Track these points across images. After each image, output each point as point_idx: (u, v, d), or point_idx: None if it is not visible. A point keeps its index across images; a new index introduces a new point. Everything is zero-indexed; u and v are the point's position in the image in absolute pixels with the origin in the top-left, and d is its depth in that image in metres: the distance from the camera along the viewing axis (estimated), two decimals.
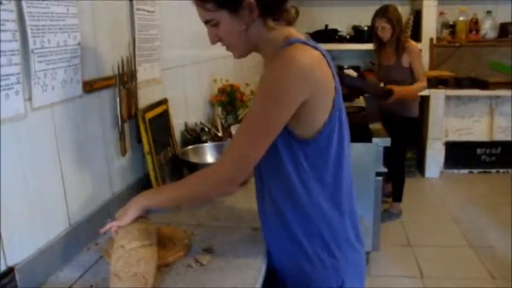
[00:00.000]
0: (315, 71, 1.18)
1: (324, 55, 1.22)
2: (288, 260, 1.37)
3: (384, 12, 3.67)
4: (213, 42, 1.27)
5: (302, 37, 1.25)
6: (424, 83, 3.87)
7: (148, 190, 1.41)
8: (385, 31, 3.72)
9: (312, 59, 1.18)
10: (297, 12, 1.29)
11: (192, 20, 2.47)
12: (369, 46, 4.73)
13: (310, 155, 1.25)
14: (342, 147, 1.28)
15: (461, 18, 5.29)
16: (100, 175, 1.59)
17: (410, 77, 3.83)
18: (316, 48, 1.21)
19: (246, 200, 1.70)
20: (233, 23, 1.20)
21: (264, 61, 1.34)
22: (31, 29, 1.18)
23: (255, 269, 1.29)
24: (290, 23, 1.27)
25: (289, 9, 1.26)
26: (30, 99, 1.20)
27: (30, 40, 1.18)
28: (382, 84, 3.88)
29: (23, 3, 1.15)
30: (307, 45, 1.20)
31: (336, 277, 1.34)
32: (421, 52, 5.10)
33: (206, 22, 1.24)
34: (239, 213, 1.68)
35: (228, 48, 1.31)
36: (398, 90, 3.66)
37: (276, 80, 1.16)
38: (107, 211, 1.59)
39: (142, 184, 1.82)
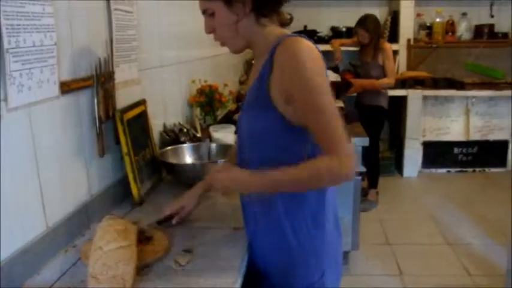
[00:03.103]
0: (320, 59, 1.24)
1: (319, 50, 1.27)
2: (272, 253, 1.40)
3: (362, 23, 4.26)
4: (208, 31, 1.34)
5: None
6: (391, 80, 4.32)
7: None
8: (363, 38, 4.29)
9: (314, 49, 1.24)
10: (291, 19, 1.38)
11: (170, 21, 2.47)
12: (348, 47, 4.78)
13: (299, 140, 1.29)
14: None
15: (437, 20, 5.38)
16: (78, 176, 1.57)
17: (383, 74, 4.33)
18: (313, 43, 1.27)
19: (226, 200, 1.70)
20: (227, 14, 1.27)
21: (254, 55, 1.40)
22: (6, 28, 1.16)
23: (235, 269, 1.29)
24: (283, 25, 1.35)
25: (283, 12, 1.34)
26: (5, 99, 1.18)
27: (5, 39, 1.16)
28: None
29: None
30: (304, 38, 1.25)
31: (316, 265, 1.38)
32: (399, 53, 5.20)
33: (203, 12, 1.32)
34: (220, 213, 1.68)
35: (222, 43, 1.36)
36: (358, 82, 4.36)
37: (309, 69, 1.20)
38: (85, 213, 1.57)
39: (121, 185, 1.80)
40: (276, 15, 1.34)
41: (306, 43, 1.23)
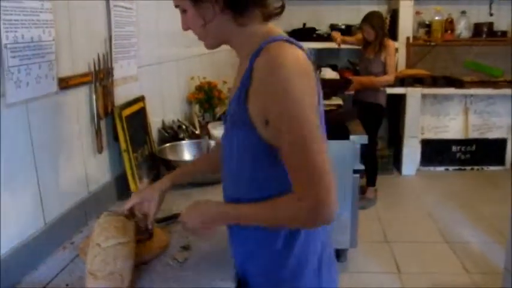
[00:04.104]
0: (307, 68, 1.07)
1: (308, 56, 1.10)
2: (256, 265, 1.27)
3: (368, 19, 4.26)
4: (184, 28, 1.20)
5: (283, 34, 1.15)
6: (391, 78, 4.29)
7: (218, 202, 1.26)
8: (369, 34, 4.27)
9: (301, 59, 1.07)
10: (282, 6, 1.18)
11: (169, 18, 2.46)
12: (346, 45, 4.77)
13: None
14: None
15: (436, 18, 5.37)
16: (76, 173, 1.57)
17: (385, 71, 4.30)
18: (301, 48, 1.10)
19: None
20: (196, 14, 1.13)
21: (238, 56, 1.23)
22: (4, 24, 1.16)
23: (233, 266, 1.29)
24: (267, 18, 1.15)
25: (267, 4, 1.14)
26: (3, 95, 1.18)
27: (3, 35, 1.16)
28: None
29: None
30: (290, 43, 1.09)
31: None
32: (398, 51, 5.18)
33: (176, 7, 1.18)
34: None
35: (198, 38, 1.23)
36: (357, 79, 4.34)
37: (291, 91, 1.02)
38: (83, 209, 1.57)
39: (119, 182, 1.80)
40: (258, 10, 1.13)
41: (292, 52, 1.06)
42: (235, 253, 1.30)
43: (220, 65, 3.69)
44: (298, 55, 1.06)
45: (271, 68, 1.04)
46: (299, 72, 1.04)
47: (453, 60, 5.47)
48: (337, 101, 3.68)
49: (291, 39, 1.11)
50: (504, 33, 5.38)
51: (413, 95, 5.14)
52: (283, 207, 1.10)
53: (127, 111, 1.82)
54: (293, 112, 1.03)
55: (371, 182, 4.54)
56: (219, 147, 1.35)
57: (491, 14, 5.43)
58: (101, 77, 1.64)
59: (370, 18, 4.25)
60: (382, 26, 4.29)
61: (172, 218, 1.57)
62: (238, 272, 1.29)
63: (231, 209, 1.20)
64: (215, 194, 1.46)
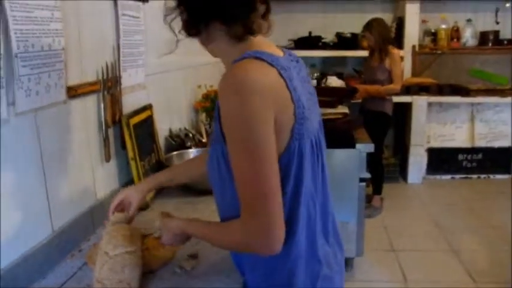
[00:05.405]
0: (269, 88, 1.01)
1: (281, 74, 1.05)
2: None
3: (368, 26, 4.29)
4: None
5: (264, 49, 1.10)
6: (397, 86, 4.29)
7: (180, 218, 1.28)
8: (369, 40, 4.32)
9: (263, 75, 1.02)
10: (269, 27, 1.14)
11: (177, 26, 2.47)
12: (352, 53, 4.79)
13: None
14: (301, 182, 1.10)
15: (442, 26, 5.37)
16: (84, 181, 1.57)
17: (390, 78, 4.29)
18: (272, 65, 1.04)
19: None
20: (200, 40, 1.20)
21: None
22: (15, 33, 1.17)
23: (240, 274, 1.29)
24: (253, 32, 1.10)
25: (250, 22, 1.08)
26: (13, 103, 1.19)
27: (14, 44, 1.17)
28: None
29: (7, 6, 1.14)
30: (261, 59, 1.04)
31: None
32: (404, 59, 5.18)
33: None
34: None
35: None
36: (363, 87, 4.31)
37: (234, 115, 1.00)
38: (91, 217, 1.57)
39: None
40: (238, 25, 1.08)
41: (252, 73, 1.00)
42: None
43: None
44: (260, 74, 1.01)
45: (223, 89, 1.02)
46: (252, 91, 0.98)
47: (459, 68, 5.46)
48: (343, 109, 3.68)
49: (265, 56, 1.05)
50: (510, 42, 5.38)
51: (419, 103, 5.13)
52: (228, 232, 1.10)
53: (135, 120, 1.84)
54: (239, 133, 1.00)
55: (377, 190, 4.53)
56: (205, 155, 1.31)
57: (497, 22, 5.43)
58: (109, 86, 1.65)
59: (371, 25, 4.27)
60: (384, 32, 4.29)
61: None
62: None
63: (187, 226, 1.21)
64: None
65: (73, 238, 1.46)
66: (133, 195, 1.44)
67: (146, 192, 1.48)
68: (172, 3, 1.12)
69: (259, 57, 1.05)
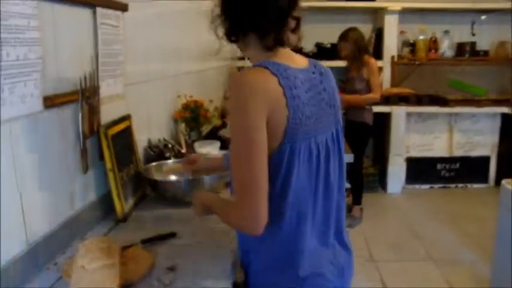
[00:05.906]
0: (264, 90, 1.17)
1: (280, 82, 1.19)
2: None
3: (343, 36, 4.35)
4: None
5: (283, 60, 1.26)
6: (376, 95, 4.33)
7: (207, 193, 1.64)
8: (345, 49, 4.36)
9: (261, 79, 1.18)
10: (299, 39, 1.38)
11: (156, 36, 2.46)
12: (332, 63, 4.80)
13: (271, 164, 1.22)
14: (289, 181, 1.23)
15: (421, 37, 5.45)
16: (61, 193, 1.54)
17: (368, 88, 4.33)
18: (275, 74, 1.20)
19: (211, 218, 1.68)
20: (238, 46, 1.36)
21: None
22: None
23: None
24: (283, 44, 1.29)
25: (281, 35, 1.27)
26: None
27: None
28: None
29: None
30: (266, 68, 1.20)
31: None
32: (383, 69, 5.23)
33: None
34: (205, 231, 1.66)
35: None
36: (344, 98, 4.14)
37: (233, 107, 1.19)
38: (68, 229, 1.54)
39: (105, 202, 1.78)
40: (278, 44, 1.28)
41: (250, 77, 1.19)
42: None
43: (208, 84, 3.69)
44: (259, 78, 1.19)
45: (230, 86, 1.23)
46: (251, 91, 1.16)
47: (437, 78, 5.55)
48: None
49: (271, 65, 1.21)
50: (486, 53, 5.49)
51: (398, 113, 5.19)
52: (229, 210, 1.29)
53: (113, 130, 1.81)
54: (236, 127, 1.18)
55: (357, 200, 4.55)
56: None
57: (473, 34, 5.54)
58: (87, 96, 1.62)
59: (346, 34, 4.31)
60: (359, 41, 4.32)
61: (158, 239, 1.56)
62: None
63: (212, 198, 1.47)
64: None
65: (49, 251, 1.43)
66: (198, 156, 1.95)
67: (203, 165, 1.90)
68: (218, 11, 1.29)
69: (266, 66, 1.21)
